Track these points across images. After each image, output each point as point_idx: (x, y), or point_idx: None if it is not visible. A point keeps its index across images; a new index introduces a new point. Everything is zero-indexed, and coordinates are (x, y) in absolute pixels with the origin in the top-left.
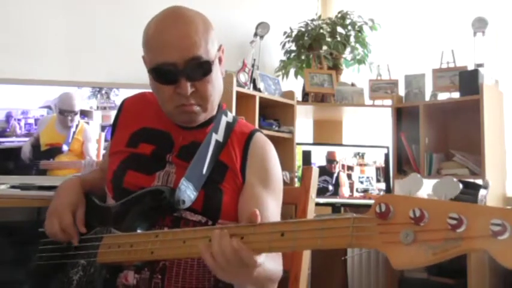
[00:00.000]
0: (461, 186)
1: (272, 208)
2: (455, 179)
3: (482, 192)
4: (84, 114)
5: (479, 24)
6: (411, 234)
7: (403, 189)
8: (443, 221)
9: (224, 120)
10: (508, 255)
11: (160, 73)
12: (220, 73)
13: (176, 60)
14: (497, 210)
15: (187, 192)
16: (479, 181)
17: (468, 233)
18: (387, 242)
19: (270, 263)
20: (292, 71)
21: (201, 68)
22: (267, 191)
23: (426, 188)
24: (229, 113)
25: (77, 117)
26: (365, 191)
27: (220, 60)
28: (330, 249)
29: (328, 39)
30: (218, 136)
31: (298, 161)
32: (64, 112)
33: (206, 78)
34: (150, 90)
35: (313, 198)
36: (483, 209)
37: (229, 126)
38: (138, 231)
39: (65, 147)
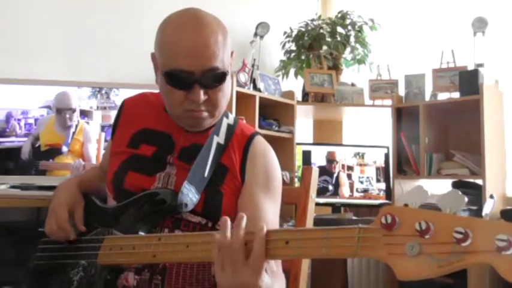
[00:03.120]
0: (466, 199)
1: (270, 212)
2: (460, 192)
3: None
4: (84, 114)
5: (479, 24)
6: (417, 246)
7: (408, 201)
8: (449, 234)
9: (225, 122)
10: None
11: (175, 78)
12: (230, 79)
13: (194, 69)
14: (504, 225)
15: (190, 195)
16: (479, 181)
17: (473, 247)
18: (392, 253)
19: None
20: (292, 71)
21: (217, 78)
22: (266, 195)
23: (426, 187)
24: (230, 115)
25: (75, 115)
26: (365, 191)
27: (230, 65)
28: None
29: (328, 39)
30: (219, 139)
31: (298, 161)
32: (61, 111)
33: (219, 87)
34: (151, 90)
35: (313, 198)
36: (489, 224)
37: (230, 129)
38: (140, 233)
39: (64, 148)
